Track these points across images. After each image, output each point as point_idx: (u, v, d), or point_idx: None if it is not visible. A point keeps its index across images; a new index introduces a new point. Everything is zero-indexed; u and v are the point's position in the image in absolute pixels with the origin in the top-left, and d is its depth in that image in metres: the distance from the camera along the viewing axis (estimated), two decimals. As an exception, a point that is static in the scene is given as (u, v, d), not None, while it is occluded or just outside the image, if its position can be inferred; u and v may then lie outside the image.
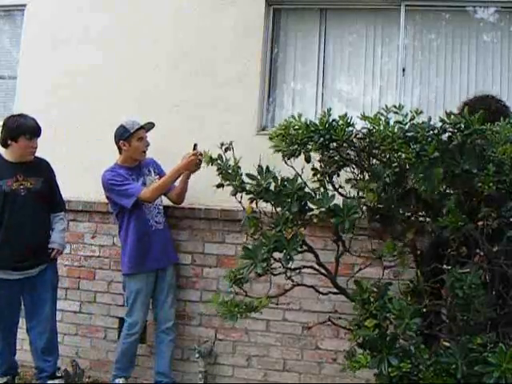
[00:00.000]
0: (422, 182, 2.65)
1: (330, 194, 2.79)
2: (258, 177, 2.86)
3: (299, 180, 2.86)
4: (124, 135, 3.97)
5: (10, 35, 5.04)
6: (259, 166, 2.88)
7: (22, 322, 4.55)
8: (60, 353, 4.10)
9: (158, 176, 4.13)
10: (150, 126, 4.08)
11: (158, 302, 4.09)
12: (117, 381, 4.01)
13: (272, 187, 2.84)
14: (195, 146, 3.91)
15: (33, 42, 4.80)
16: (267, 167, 2.88)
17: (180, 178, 4.05)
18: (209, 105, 4.35)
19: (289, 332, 4.08)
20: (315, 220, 2.82)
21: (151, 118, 4.39)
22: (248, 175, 2.90)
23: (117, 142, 4.02)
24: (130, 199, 3.88)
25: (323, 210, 2.70)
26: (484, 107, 2.98)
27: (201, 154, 3.72)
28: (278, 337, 4.11)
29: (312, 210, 2.80)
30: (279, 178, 2.85)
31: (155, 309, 4.11)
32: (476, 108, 3.07)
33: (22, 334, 4.54)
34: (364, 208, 2.89)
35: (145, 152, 4.07)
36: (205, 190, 3.89)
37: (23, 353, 4.53)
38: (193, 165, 3.89)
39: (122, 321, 4.22)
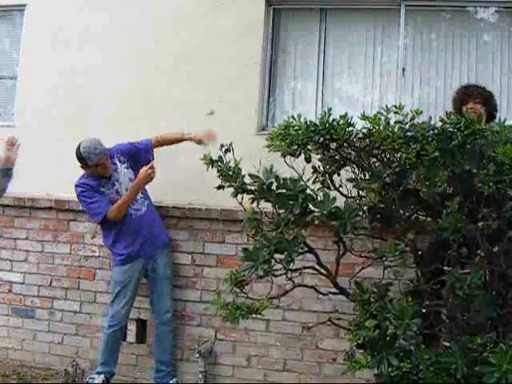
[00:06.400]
0: (422, 183, 2.65)
1: (332, 195, 2.79)
2: (261, 175, 2.87)
3: (301, 181, 2.86)
4: (82, 163, 3.97)
5: (9, 35, 5.02)
6: (261, 166, 2.90)
7: (21, 323, 4.57)
8: (60, 353, 4.09)
9: (125, 164, 4.11)
10: (107, 152, 4.01)
11: (152, 294, 4.12)
12: (90, 381, 3.96)
13: (274, 186, 2.84)
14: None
15: (33, 42, 4.79)
16: (271, 166, 2.90)
17: (176, 137, 4.15)
18: (209, 105, 4.34)
19: (289, 332, 4.08)
20: (316, 222, 2.83)
21: (152, 117, 4.41)
22: (250, 175, 2.91)
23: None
24: (98, 216, 3.99)
25: (325, 213, 2.70)
26: (469, 95, 3.40)
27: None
28: (277, 337, 4.10)
29: (313, 212, 2.80)
30: (281, 177, 2.86)
31: (151, 300, 4.14)
32: (462, 97, 3.28)
33: (21, 333, 4.56)
34: (365, 208, 2.89)
35: (108, 168, 4.03)
36: (205, 190, 3.89)
37: (23, 353, 4.55)
38: (150, 178, 3.95)
39: (121, 321, 4.21)
